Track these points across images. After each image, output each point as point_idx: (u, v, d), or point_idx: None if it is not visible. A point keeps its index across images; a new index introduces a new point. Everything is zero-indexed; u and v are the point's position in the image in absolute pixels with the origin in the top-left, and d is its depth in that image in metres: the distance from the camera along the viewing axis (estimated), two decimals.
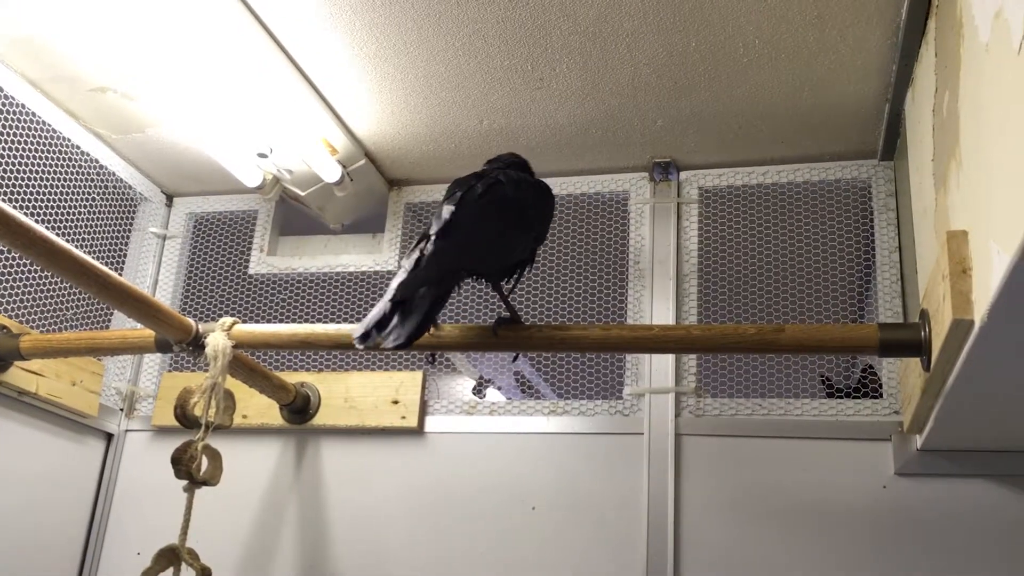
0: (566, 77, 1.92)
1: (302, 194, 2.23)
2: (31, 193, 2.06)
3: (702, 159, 2.20)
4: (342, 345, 1.74)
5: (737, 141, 2.12)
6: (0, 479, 1.98)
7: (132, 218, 2.46)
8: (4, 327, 1.90)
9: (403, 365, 2.31)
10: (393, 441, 2.15)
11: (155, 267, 2.45)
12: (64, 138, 2.15)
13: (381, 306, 1.47)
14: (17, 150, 2.03)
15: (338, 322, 2.12)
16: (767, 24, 1.73)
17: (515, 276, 1.64)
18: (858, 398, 1.97)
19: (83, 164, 2.23)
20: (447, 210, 1.52)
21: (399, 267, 1.55)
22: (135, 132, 2.22)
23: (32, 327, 2.01)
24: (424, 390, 2.17)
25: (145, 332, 1.78)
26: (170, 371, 2.37)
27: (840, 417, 1.94)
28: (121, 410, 2.32)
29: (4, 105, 1.99)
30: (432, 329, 1.62)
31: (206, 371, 1.71)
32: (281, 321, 2.37)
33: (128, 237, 2.44)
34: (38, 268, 2.03)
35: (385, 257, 2.34)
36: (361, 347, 1.47)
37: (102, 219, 2.32)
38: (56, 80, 2.02)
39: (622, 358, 2.13)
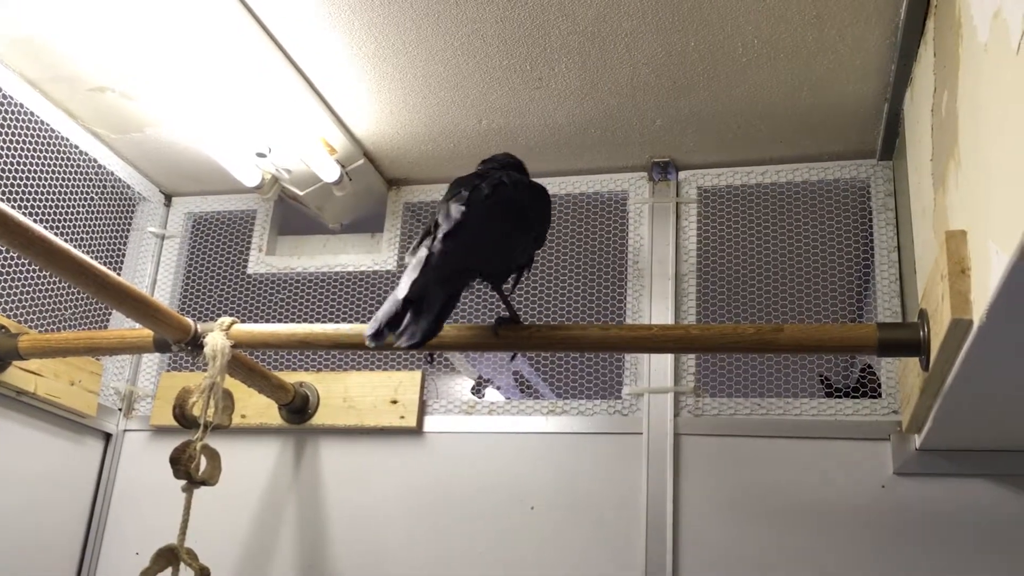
0: (565, 77, 1.92)
1: (301, 194, 2.23)
2: (30, 193, 2.06)
3: (701, 159, 2.20)
4: (341, 345, 1.74)
5: (736, 141, 2.12)
6: None
7: (131, 218, 2.46)
8: (2, 327, 1.90)
9: (402, 365, 2.31)
10: (392, 441, 2.15)
11: (154, 267, 2.45)
12: (63, 138, 2.15)
13: (392, 304, 1.45)
14: (16, 150, 2.03)
15: (337, 322, 2.12)
16: (766, 24, 1.73)
17: (514, 278, 1.64)
18: (857, 398, 1.97)
19: (82, 164, 2.23)
20: (456, 209, 1.50)
21: (403, 264, 1.54)
22: (134, 132, 2.22)
23: (31, 327, 2.01)
24: (423, 390, 2.17)
25: (144, 332, 1.78)
26: (169, 371, 2.37)
27: (839, 417, 1.94)
28: (120, 410, 2.32)
29: (3, 105, 1.99)
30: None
31: (205, 371, 1.71)
32: (280, 321, 2.37)
33: (127, 237, 2.44)
34: (36, 268, 2.03)
35: (384, 257, 2.34)
36: (373, 345, 1.45)
37: (101, 219, 2.32)
38: (55, 80, 2.02)
39: (621, 358, 2.13)
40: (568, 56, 1.85)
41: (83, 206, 2.24)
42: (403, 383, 2.16)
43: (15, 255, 1.97)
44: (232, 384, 1.81)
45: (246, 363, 1.90)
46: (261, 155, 2.12)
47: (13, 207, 1.36)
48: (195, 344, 1.74)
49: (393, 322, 1.44)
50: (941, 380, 1.44)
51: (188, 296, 2.46)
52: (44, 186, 2.11)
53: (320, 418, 2.17)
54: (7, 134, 2.00)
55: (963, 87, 1.33)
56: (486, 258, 1.55)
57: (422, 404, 2.16)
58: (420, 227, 2.38)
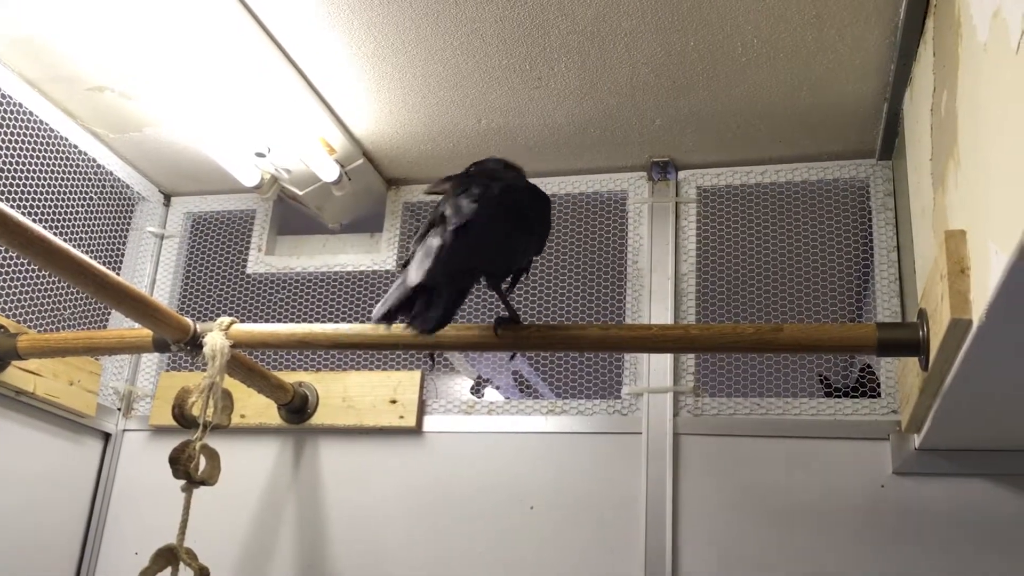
0: (564, 76, 1.92)
1: (300, 193, 2.23)
2: (29, 192, 2.06)
3: (700, 158, 2.20)
4: (340, 345, 1.74)
5: (735, 140, 2.12)
6: None
7: (130, 217, 2.46)
8: (2, 327, 1.90)
9: (401, 365, 2.31)
10: (391, 441, 2.15)
11: (153, 267, 2.45)
12: (62, 137, 2.15)
13: (402, 290, 1.43)
14: (15, 149, 2.03)
15: (336, 322, 2.12)
16: (765, 23, 1.73)
17: (511, 280, 1.64)
18: (856, 397, 1.97)
19: (81, 163, 2.23)
20: (468, 206, 1.49)
21: (408, 253, 1.53)
22: (133, 131, 2.21)
23: (30, 327, 2.01)
24: (422, 390, 2.17)
25: (143, 332, 1.77)
26: (168, 371, 2.37)
27: (838, 416, 1.94)
28: (119, 410, 2.32)
29: (2, 105, 1.99)
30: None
31: (204, 371, 1.71)
32: (279, 320, 2.37)
33: (126, 236, 2.44)
34: (36, 267, 2.03)
35: (383, 256, 2.34)
36: (384, 326, 1.44)
37: (100, 218, 2.31)
38: (54, 80, 2.01)
39: (620, 358, 2.13)
40: (567, 56, 1.85)
41: (82, 206, 2.24)
42: (402, 383, 2.16)
43: (14, 255, 1.97)
44: (231, 384, 1.81)
45: (245, 363, 1.90)
46: (260, 155, 2.12)
47: (12, 207, 1.36)
48: (194, 344, 1.73)
49: (404, 306, 1.43)
50: (940, 380, 1.44)
51: (187, 296, 2.46)
52: (43, 186, 2.11)
53: (319, 418, 2.17)
54: (6, 134, 2.00)
55: (962, 87, 1.33)
56: (490, 258, 1.54)
57: (421, 404, 2.16)
58: (420, 227, 2.38)
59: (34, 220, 1.44)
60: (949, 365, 1.36)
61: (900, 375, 1.86)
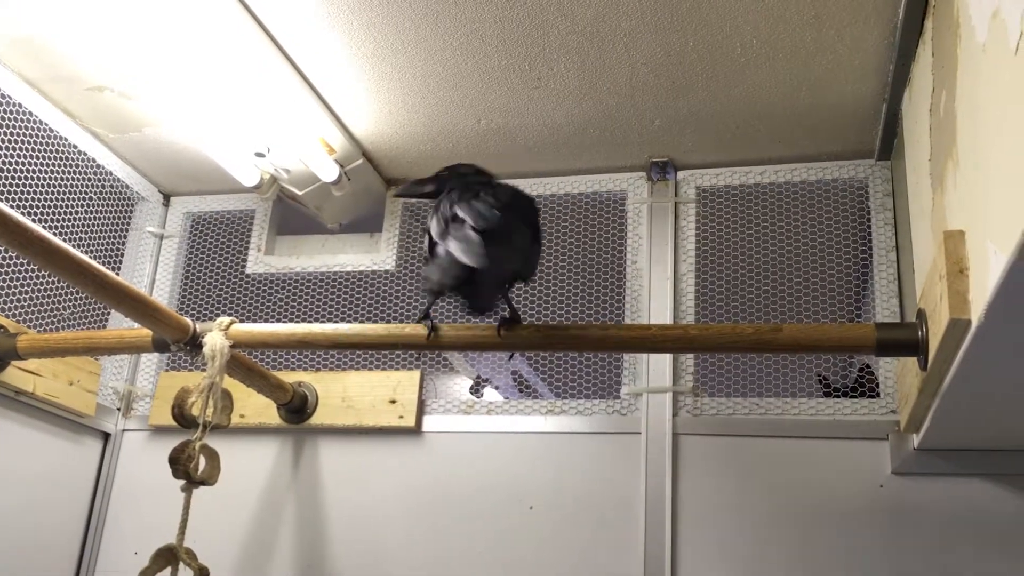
0: (564, 77, 1.93)
1: (299, 193, 2.23)
2: (28, 192, 2.06)
3: (699, 159, 2.20)
4: (340, 345, 1.74)
5: (735, 141, 2.12)
6: None
7: (129, 217, 2.46)
8: (1, 327, 1.90)
9: (400, 365, 2.31)
10: (391, 441, 2.15)
11: (152, 266, 2.45)
12: (61, 137, 2.15)
13: (457, 268, 1.45)
14: (14, 149, 2.03)
15: (335, 321, 2.12)
16: (765, 24, 1.73)
17: (511, 283, 1.64)
18: (855, 397, 1.97)
19: (80, 163, 2.23)
20: (488, 211, 1.49)
21: (425, 232, 1.54)
22: (132, 131, 2.21)
23: (29, 327, 2.01)
24: (422, 389, 2.17)
25: (142, 332, 1.77)
26: (167, 371, 2.37)
27: (837, 416, 1.94)
28: (118, 410, 2.32)
29: (2, 105, 1.99)
30: (433, 334, 1.62)
31: (203, 371, 1.71)
32: (278, 320, 2.37)
33: (125, 236, 2.44)
34: (35, 267, 2.03)
35: (383, 256, 2.34)
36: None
37: (99, 218, 2.31)
38: (54, 80, 2.02)
39: (620, 358, 2.13)
40: (567, 56, 1.86)
41: (82, 206, 2.24)
42: (402, 383, 2.16)
43: (14, 255, 1.97)
44: (231, 384, 1.81)
45: (245, 363, 1.90)
46: (260, 155, 2.12)
47: (12, 207, 1.36)
48: (194, 344, 1.73)
49: (457, 285, 1.46)
50: (939, 380, 1.44)
51: (187, 296, 2.46)
52: (43, 186, 2.11)
53: (319, 418, 2.17)
54: (6, 134, 2.00)
55: (961, 87, 1.33)
56: (512, 262, 1.55)
57: (421, 404, 2.16)
58: (419, 227, 2.38)
59: (34, 220, 1.44)
60: (948, 365, 1.36)
61: (899, 375, 1.86)
